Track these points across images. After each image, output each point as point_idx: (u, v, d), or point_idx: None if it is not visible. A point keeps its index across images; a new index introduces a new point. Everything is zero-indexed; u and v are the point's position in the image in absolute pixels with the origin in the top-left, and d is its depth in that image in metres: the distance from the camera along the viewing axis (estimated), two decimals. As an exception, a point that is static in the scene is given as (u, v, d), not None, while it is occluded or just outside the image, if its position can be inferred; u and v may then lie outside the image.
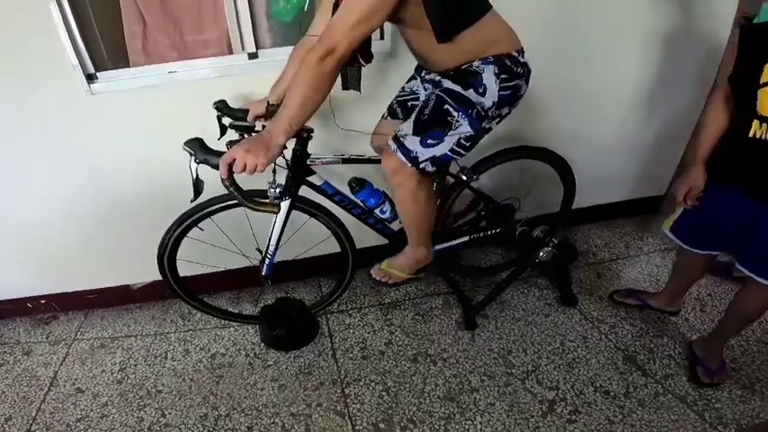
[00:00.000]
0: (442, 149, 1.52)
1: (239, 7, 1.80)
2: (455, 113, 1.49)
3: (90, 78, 1.80)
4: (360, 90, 1.58)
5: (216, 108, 1.70)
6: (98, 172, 2.01)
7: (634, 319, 2.19)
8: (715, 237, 1.75)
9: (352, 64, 1.48)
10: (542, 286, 2.41)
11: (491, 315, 2.24)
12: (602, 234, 2.81)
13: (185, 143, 1.41)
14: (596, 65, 2.27)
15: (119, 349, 2.21)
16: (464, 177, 1.88)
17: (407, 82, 1.79)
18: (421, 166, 1.53)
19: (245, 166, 1.25)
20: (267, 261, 1.85)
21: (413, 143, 1.51)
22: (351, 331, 2.21)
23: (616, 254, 2.66)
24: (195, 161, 1.39)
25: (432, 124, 1.50)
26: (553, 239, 2.20)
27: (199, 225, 1.78)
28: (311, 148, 1.67)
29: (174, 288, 1.94)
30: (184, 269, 1.94)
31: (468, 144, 1.55)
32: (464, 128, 1.50)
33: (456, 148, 1.54)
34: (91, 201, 2.07)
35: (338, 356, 2.09)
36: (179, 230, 1.76)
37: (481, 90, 1.47)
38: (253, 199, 1.37)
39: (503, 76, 1.47)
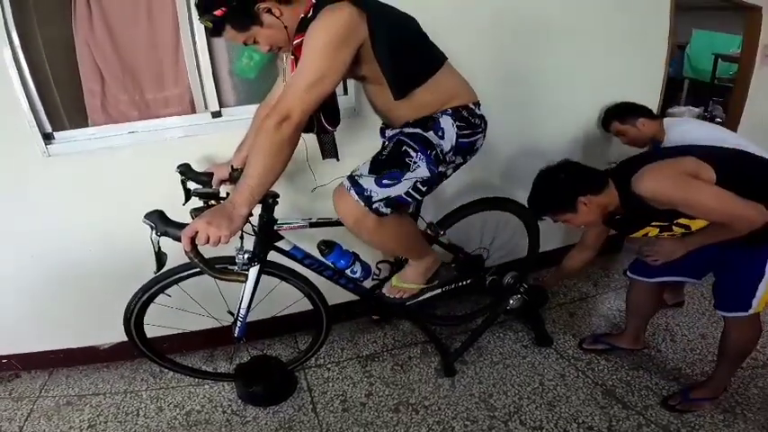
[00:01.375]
0: (397, 191, 1.47)
1: (201, 64, 1.82)
2: (414, 154, 1.46)
3: (47, 138, 1.77)
4: (338, 158, 1.62)
5: (179, 172, 1.69)
6: (58, 236, 1.97)
7: (609, 354, 2.23)
8: (668, 268, 1.85)
9: (321, 132, 1.51)
10: (517, 329, 2.43)
11: (469, 360, 2.24)
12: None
13: (145, 216, 1.36)
14: (548, 112, 2.43)
15: (86, 406, 2.12)
16: (430, 233, 1.93)
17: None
18: (374, 206, 1.46)
19: (209, 238, 1.24)
20: (239, 324, 1.80)
21: (368, 182, 1.45)
22: (330, 384, 2.17)
23: (585, 292, 2.74)
24: (156, 234, 1.34)
25: (389, 164, 1.47)
26: (524, 284, 2.25)
27: (165, 292, 1.74)
28: (281, 210, 1.67)
29: (142, 350, 1.89)
30: (154, 330, 1.89)
31: (424, 189, 1.51)
32: (421, 170, 1.47)
33: (412, 192, 1.49)
34: (56, 263, 2.03)
35: (318, 410, 2.04)
36: (145, 296, 1.73)
37: (440, 134, 1.50)
38: (218, 269, 1.37)
39: (461, 124, 1.52)
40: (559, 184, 1.68)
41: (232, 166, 1.65)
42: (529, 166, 2.40)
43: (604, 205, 1.66)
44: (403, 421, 1.95)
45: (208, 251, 1.33)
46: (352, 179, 1.47)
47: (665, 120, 2.27)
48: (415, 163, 1.46)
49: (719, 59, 3.98)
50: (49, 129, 1.78)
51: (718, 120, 3.53)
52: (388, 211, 1.48)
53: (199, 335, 2.26)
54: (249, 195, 1.26)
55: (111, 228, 1.99)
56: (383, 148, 1.55)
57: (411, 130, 1.51)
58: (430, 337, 2.33)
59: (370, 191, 1.44)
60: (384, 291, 1.96)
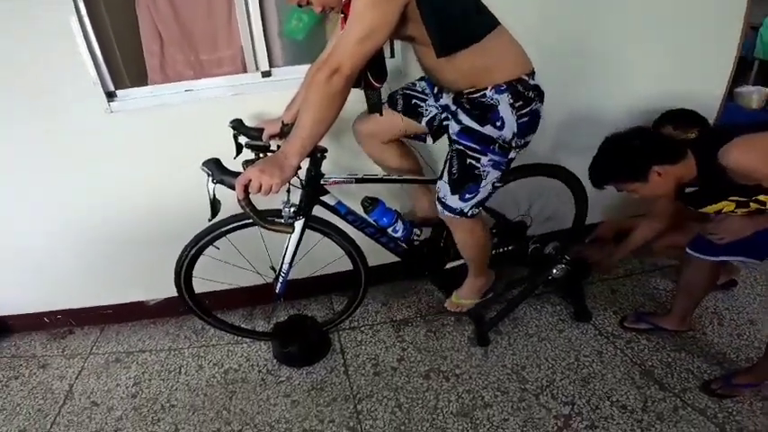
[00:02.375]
0: (481, 195, 1.62)
1: (253, 26, 1.85)
2: (479, 164, 1.54)
3: (110, 96, 1.86)
4: (381, 112, 1.63)
5: (232, 127, 1.73)
6: (120, 188, 2.06)
7: (650, 334, 2.15)
8: (732, 247, 1.76)
9: (368, 87, 1.50)
10: (555, 302, 2.39)
11: (504, 331, 2.22)
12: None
13: (203, 164, 1.43)
14: (606, 80, 2.31)
15: (133, 364, 2.23)
16: None
17: (419, 80, 1.78)
18: (469, 214, 1.64)
19: (261, 186, 1.27)
20: (281, 280, 1.87)
21: (454, 202, 1.62)
22: (362, 348, 2.20)
23: (630, 269, 2.63)
24: (212, 181, 1.41)
25: (463, 181, 1.58)
26: (566, 256, 2.19)
27: (215, 244, 1.80)
28: (325, 167, 1.70)
29: (189, 305, 1.97)
30: (200, 286, 1.96)
31: (501, 180, 1.64)
32: (493, 173, 1.57)
33: (492, 189, 1.63)
34: (110, 219, 2.12)
35: (350, 373, 2.08)
36: (195, 249, 1.79)
37: (499, 124, 1.48)
38: (268, 219, 1.39)
39: (518, 103, 1.47)
40: (633, 151, 1.60)
41: (283, 122, 1.68)
42: (578, 133, 2.37)
43: (679, 176, 1.59)
44: (433, 388, 1.96)
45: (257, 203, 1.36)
46: (441, 202, 1.66)
47: None
48: (485, 171, 1.56)
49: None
50: (111, 87, 1.87)
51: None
52: (478, 210, 1.68)
53: (241, 292, 2.35)
54: (300, 146, 1.28)
55: (164, 183, 2.07)
56: (451, 163, 1.59)
57: (467, 121, 1.52)
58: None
59: (460, 208, 1.63)
60: (446, 305, 2.12)
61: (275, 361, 2.17)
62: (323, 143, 1.45)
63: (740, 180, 1.47)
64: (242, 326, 2.29)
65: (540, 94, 1.53)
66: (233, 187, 1.30)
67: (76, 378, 2.17)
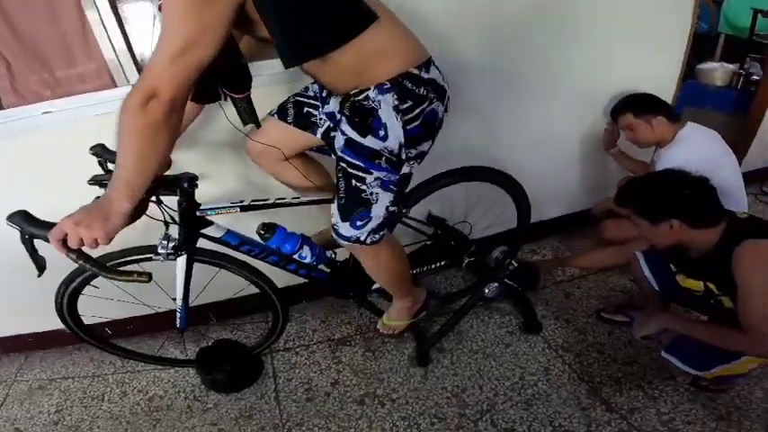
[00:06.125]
0: (375, 222, 1.41)
1: (110, 35, 1.65)
2: (365, 186, 1.32)
3: None
4: (258, 123, 1.39)
5: (94, 154, 1.46)
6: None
7: (602, 344, 2.03)
8: None
9: (230, 98, 1.27)
10: (505, 311, 2.24)
11: (447, 348, 2.08)
12: (572, 245, 2.65)
13: (8, 218, 1.14)
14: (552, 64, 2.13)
15: (56, 390, 2.13)
16: None
17: (313, 83, 1.53)
18: (367, 242, 1.45)
19: (81, 240, 1.04)
20: (179, 315, 1.65)
21: (346, 230, 1.42)
22: (296, 371, 2.05)
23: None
24: (24, 236, 1.14)
25: (352, 206, 1.37)
26: (512, 262, 2.02)
27: (91, 284, 1.59)
28: (213, 193, 1.51)
29: (83, 338, 1.80)
30: (123, 310, 1.85)
31: (396, 203, 1.42)
32: (384, 195, 1.35)
33: (387, 212, 1.41)
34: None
35: (281, 399, 1.94)
36: (70, 289, 1.58)
37: (382, 133, 1.23)
38: (113, 268, 1.17)
39: (405, 105, 1.22)
40: (671, 194, 1.48)
41: None
42: (519, 127, 2.22)
43: (687, 240, 1.51)
44: (367, 415, 1.83)
45: (128, 237, 1.18)
46: (336, 231, 1.46)
47: (682, 131, 2.00)
48: (373, 193, 1.34)
49: (759, 15, 3.63)
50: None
51: (755, 77, 3.14)
52: (378, 236, 1.46)
53: (163, 316, 2.15)
54: (126, 189, 1.04)
55: (38, 212, 1.84)
56: (338, 184, 1.36)
57: (348, 132, 1.26)
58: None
59: (354, 236, 1.43)
60: (378, 327, 2.00)
61: (203, 386, 2.03)
62: (195, 168, 1.25)
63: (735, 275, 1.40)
64: (169, 350, 2.14)
65: (437, 89, 1.27)
66: (49, 241, 1.07)
67: (1, 405, 2.08)
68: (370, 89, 1.20)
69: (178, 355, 2.20)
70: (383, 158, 1.27)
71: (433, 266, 1.96)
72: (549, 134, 2.31)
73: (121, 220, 1.07)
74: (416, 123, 1.25)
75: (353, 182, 1.31)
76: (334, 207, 1.43)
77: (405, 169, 1.33)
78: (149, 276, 1.17)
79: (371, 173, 1.29)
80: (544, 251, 2.64)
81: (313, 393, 1.95)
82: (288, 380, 2.02)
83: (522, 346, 2.06)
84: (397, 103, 1.20)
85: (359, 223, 1.39)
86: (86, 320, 1.77)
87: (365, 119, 1.23)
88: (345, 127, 1.27)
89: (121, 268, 1.22)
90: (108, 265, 1.28)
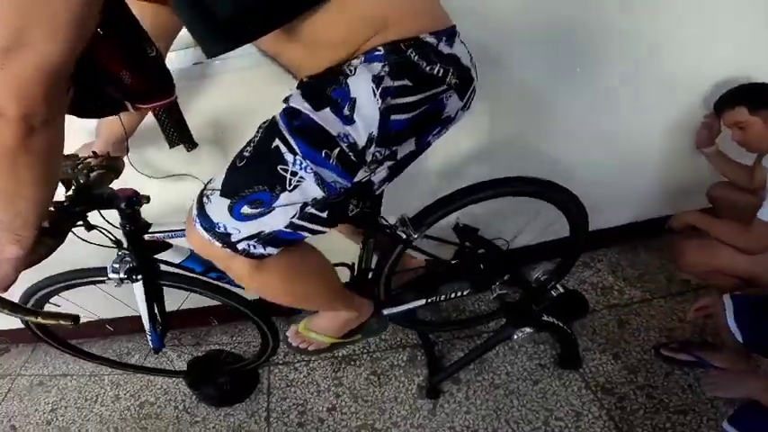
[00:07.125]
0: (271, 225, 0.87)
1: None
2: (290, 158, 0.80)
3: None
4: (193, 144, 1.09)
5: None
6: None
7: (655, 388, 1.65)
8: None
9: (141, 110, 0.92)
10: (540, 340, 1.90)
11: (463, 379, 1.79)
12: (636, 261, 2.19)
13: None
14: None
15: (54, 388, 2.12)
16: (402, 235, 1.33)
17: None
18: (239, 247, 0.89)
19: None
20: (150, 336, 1.44)
21: (219, 210, 0.86)
22: (292, 390, 1.86)
23: (651, 290, 2.03)
24: None
25: (251, 177, 0.84)
26: (557, 287, 1.59)
27: (50, 301, 1.40)
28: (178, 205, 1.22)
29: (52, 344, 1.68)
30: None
31: (324, 215, 0.89)
32: (309, 187, 0.83)
33: (300, 223, 0.88)
34: None
35: (272, 420, 1.77)
36: (30, 303, 1.39)
37: (346, 111, 0.79)
38: (37, 311, 1.00)
39: (394, 83, 0.79)
40: None
41: (94, 151, 1.13)
42: (581, 116, 1.77)
43: None
44: (361, 452, 1.60)
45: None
46: (200, 202, 0.89)
47: None
48: (293, 174, 0.82)
49: None
50: None
51: None
52: (266, 251, 0.91)
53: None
54: (5, 234, 0.81)
55: None
56: (250, 140, 0.87)
57: (296, 102, 0.82)
58: (423, 340, 1.90)
59: (224, 225, 0.86)
60: (288, 334, 1.42)
61: (194, 398, 1.90)
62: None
63: None
64: (150, 366, 1.95)
65: (461, 71, 0.86)
66: None
67: (2, 400, 2.09)
68: (353, 58, 0.81)
69: (175, 359, 2.08)
70: (336, 151, 0.81)
71: (450, 296, 1.60)
72: (620, 125, 1.82)
73: (12, 267, 0.85)
74: (406, 116, 0.83)
75: (275, 142, 0.82)
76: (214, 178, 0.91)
77: (362, 175, 0.88)
78: (76, 319, 0.95)
79: (305, 159, 0.81)
80: (599, 265, 2.23)
81: (306, 418, 1.75)
82: (282, 398, 1.83)
83: (553, 384, 1.73)
84: (383, 74, 0.78)
85: (245, 211, 0.85)
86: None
87: (324, 87, 0.80)
88: (296, 99, 0.83)
89: (46, 309, 1.04)
90: (29, 307, 1.14)
